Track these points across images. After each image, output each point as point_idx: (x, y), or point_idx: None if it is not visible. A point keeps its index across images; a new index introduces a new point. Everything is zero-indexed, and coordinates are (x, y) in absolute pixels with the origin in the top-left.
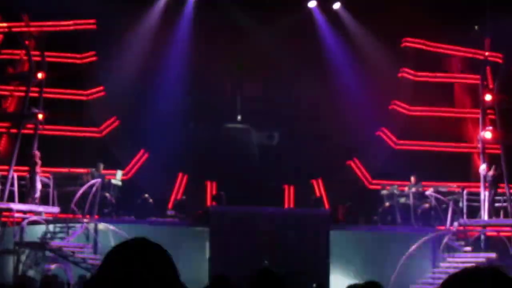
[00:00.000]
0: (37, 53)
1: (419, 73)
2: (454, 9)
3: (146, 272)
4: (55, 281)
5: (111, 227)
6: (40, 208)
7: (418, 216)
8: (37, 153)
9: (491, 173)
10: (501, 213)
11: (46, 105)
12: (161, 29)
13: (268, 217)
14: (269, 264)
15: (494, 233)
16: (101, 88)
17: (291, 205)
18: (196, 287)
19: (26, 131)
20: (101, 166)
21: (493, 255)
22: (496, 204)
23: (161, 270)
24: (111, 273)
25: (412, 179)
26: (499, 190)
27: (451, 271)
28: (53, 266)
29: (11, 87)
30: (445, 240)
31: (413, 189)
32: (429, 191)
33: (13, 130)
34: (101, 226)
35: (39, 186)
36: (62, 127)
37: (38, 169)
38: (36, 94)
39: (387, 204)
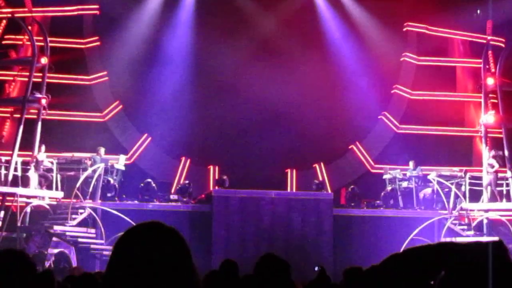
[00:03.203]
0: (40, 38)
1: (421, 57)
2: None
3: (161, 255)
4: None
5: (114, 211)
6: (44, 193)
7: (420, 200)
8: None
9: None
10: (503, 196)
11: (49, 90)
12: (163, 13)
13: (271, 201)
14: (275, 249)
15: (497, 217)
16: (104, 72)
17: (294, 189)
18: (199, 270)
19: (29, 116)
20: (102, 150)
21: (495, 239)
22: (498, 188)
23: (176, 253)
24: (126, 256)
25: (411, 163)
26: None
27: None
28: (56, 251)
29: (14, 72)
30: (448, 224)
31: (413, 173)
32: (432, 175)
33: (17, 115)
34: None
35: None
36: (65, 111)
37: (42, 154)
38: (39, 79)
39: (389, 188)
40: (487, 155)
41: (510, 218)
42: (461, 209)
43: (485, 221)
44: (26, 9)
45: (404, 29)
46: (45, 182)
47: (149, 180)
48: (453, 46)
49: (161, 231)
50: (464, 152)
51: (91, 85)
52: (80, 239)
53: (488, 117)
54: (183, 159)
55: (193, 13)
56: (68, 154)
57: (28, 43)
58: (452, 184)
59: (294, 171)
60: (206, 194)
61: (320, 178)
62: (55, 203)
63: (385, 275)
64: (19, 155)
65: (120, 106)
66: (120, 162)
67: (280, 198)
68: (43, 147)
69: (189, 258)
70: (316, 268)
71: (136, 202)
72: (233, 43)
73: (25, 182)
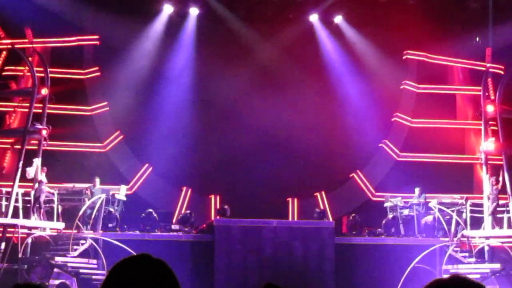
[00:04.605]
0: (40, 69)
1: (421, 85)
2: (455, 21)
3: (149, 284)
4: None
5: (116, 242)
6: (45, 224)
7: (421, 228)
8: (44, 169)
9: (496, 185)
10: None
11: (50, 120)
12: (163, 43)
13: (273, 229)
14: (277, 278)
15: (498, 244)
16: (104, 103)
17: (295, 218)
18: None
19: (30, 147)
20: (98, 181)
21: (497, 266)
22: (498, 215)
23: (163, 282)
24: (116, 286)
25: (416, 190)
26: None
27: None
28: (57, 282)
29: (15, 103)
30: (449, 251)
31: (417, 201)
32: (432, 203)
33: (17, 146)
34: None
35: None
36: (66, 142)
37: (44, 184)
38: (39, 110)
39: (390, 216)
40: (488, 182)
41: (511, 245)
42: (463, 236)
43: (486, 248)
44: (26, 40)
45: (404, 57)
46: (39, 208)
47: (151, 210)
48: (452, 73)
49: (149, 262)
50: (465, 180)
51: (91, 115)
52: (81, 270)
53: (488, 144)
54: (184, 188)
55: (193, 42)
56: (69, 185)
57: (29, 74)
58: (453, 211)
59: (296, 199)
60: (207, 223)
61: (322, 207)
62: (56, 234)
63: None
64: (20, 186)
65: (121, 136)
66: (121, 192)
67: (281, 227)
68: (43, 173)
69: (175, 287)
70: None
71: (137, 232)
72: (234, 71)
73: (26, 213)
